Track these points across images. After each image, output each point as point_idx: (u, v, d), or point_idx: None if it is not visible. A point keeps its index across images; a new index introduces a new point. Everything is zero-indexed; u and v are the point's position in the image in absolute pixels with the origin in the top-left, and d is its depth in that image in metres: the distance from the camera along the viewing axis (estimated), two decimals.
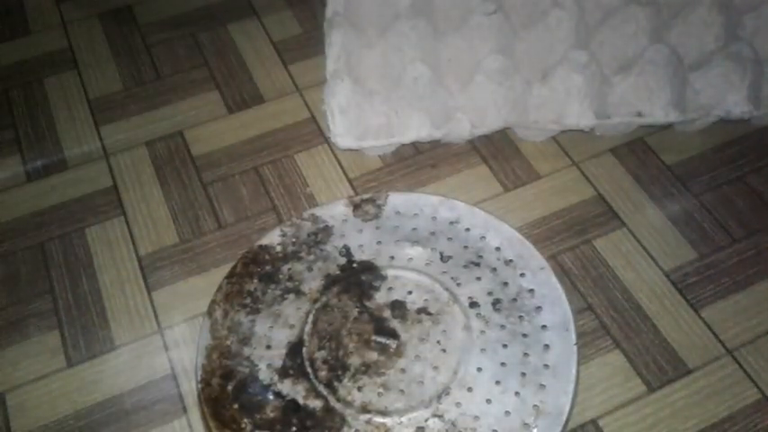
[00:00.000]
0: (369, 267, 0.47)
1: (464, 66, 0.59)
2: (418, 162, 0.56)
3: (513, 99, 0.56)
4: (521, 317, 0.45)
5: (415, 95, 0.56)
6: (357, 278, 0.47)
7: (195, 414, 0.45)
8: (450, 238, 0.48)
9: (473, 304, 0.45)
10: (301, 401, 0.42)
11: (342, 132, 0.56)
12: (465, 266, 0.47)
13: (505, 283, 0.46)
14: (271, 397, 0.42)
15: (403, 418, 0.41)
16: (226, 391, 0.42)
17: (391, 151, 0.58)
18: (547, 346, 0.43)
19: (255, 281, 0.47)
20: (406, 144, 0.57)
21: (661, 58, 0.56)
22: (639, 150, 0.57)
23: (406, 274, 0.47)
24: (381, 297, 0.46)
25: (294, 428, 0.41)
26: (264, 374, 0.43)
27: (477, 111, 0.56)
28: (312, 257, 0.48)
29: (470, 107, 0.56)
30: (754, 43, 0.59)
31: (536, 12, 0.61)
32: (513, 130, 0.58)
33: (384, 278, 0.47)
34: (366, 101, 0.57)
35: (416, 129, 0.55)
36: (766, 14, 0.60)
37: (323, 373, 0.43)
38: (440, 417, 0.41)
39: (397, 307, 0.45)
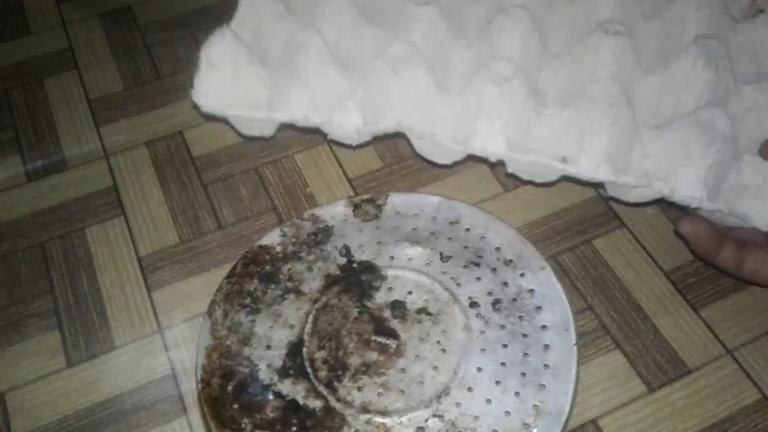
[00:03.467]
0: (369, 267, 0.47)
1: (363, 57, 0.51)
2: (419, 162, 0.56)
3: (413, 98, 0.48)
4: (521, 317, 0.45)
5: (298, 67, 0.48)
6: (357, 278, 0.47)
7: (195, 414, 0.45)
8: (450, 238, 0.48)
9: (473, 304, 0.45)
10: (301, 401, 0.42)
11: (206, 91, 0.49)
12: (465, 266, 0.47)
13: (505, 284, 0.46)
14: (271, 397, 0.42)
15: (403, 418, 0.41)
16: (226, 391, 0.42)
17: (270, 132, 0.51)
18: (547, 346, 0.43)
19: (255, 281, 0.47)
20: (284, 123, 0.50)
21: (606, 97, 0.45)
22: None
23: (406, 274, 0.47)
24: (381, 297, 0.46)
25: (294, 428, 0.41)
26: (264, 374, 0.43)
27: (372, 105, 0.48)
28: (312, 257, 0.48)
29: (366, 100, 0.48)
30: (741, 120, 0.47)
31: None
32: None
33: (384, 278, 0.47)
34: (249, 65, 0.49)
35: (292, 107, 0.48)
36: None
37: (323, 373, 0.43)
38: (440, 417, 0.41)
39: (397, 307, 0.45)
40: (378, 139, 0.56)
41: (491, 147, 0.46)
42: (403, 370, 0.43)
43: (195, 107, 0.53)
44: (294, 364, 0.43)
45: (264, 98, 0.49)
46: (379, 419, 0.41)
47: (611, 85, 0.45)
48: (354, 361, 0.43)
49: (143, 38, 0.66)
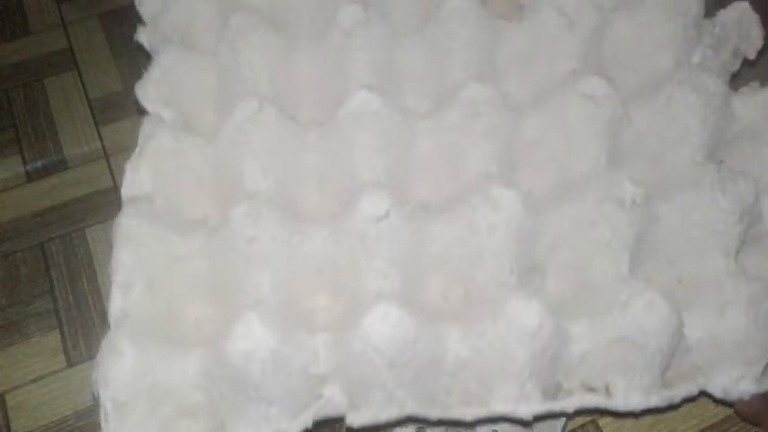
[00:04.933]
0: None
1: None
2: None
3: None
4: None
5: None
6: None
7: None
8: None
9: None
10: None
11: None
12: None
13: None
14: None
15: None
16: None
17: None
18: None
19: None
20: None
21: (653, 318, 0.35)
22: None
23: None
24: None
25: None
26: None
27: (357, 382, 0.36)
28: None
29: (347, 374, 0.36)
30: None
31: None
32: None
33: None
34: (172, 377, 0.36)
35: (255, 426, 0.35)
36: None
37: None
38: None
39: None
40: None
41: (523, 408, 0.36)
42: None
43: None
44: None
45: (204, 411, 0.36)
46: None
47: (658, 302, 0.35)
48: None
49: None
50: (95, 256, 0.52)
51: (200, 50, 0.48)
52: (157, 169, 0.42)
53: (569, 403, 0.36)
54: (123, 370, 0.35)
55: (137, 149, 0.43)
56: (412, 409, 0.35)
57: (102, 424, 0.35)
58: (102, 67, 0.63)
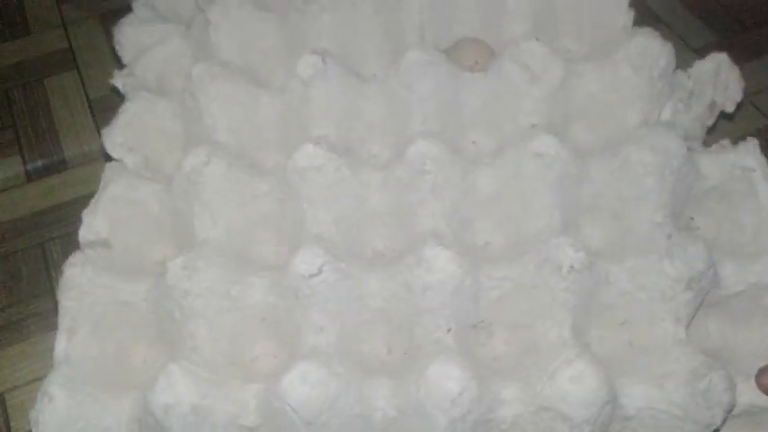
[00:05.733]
0: None
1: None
2: None
3: None
4: None
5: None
6: None
7: None
8: None
9: None
10: None
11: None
12: None
13: None
14: None
15: None
16: None
17: None
18: None
19: None
20: None
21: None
22: None
23: None
24: None
25: None
26: None
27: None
28: None
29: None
30: None
31: None
32: None
33: None
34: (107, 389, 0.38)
35: None
36: None
37: None
38: None
39: None
40: None
41: None
42: None
43: None
44: None
45: None
46: None
47: (583, 371, 0.35)
48: None
49: None
50: None
51: (172, 96, 0.48)
52: (114, 216, 0.43)
53: None
54: (53, 414, 0.36)
55: (95, 196, 0.44)
56: None
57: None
58: (102, 67, 0.63)
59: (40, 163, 0.57)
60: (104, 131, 0.46)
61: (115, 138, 0.46)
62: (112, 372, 0.40)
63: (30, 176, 0.57)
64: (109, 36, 0.66)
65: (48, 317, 0.49)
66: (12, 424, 0.45)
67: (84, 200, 0.55)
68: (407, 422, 0.36)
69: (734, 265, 0.41)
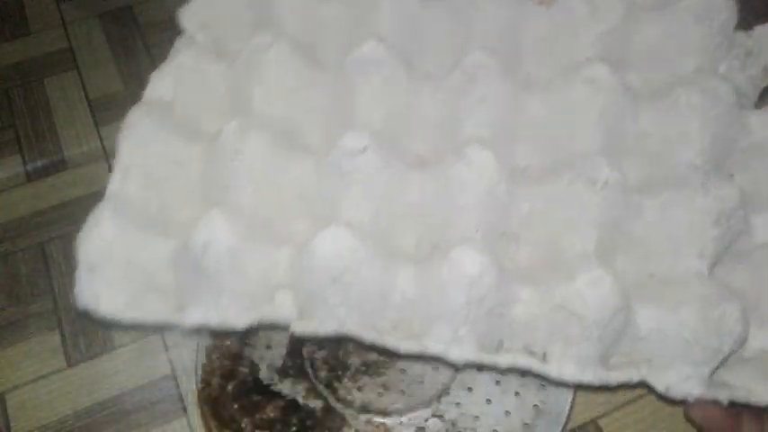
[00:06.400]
0: None
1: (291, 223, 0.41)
2: None
3: (355, 301, 0.37)
4: None
5: (205, 267, 0.36)
6: None
7: (195, 414, 0.45)
8: None
9: None
10: (301, 401, 0.42)
11: (90, 297, 0.37)
12: None
13: None
14: (270, 397, 0.42)
15: (403, 418, 0.41)
16: (226, 391, 0.43)
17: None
18: None
19: None
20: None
21: (593, 299, 0.36)
22: None
23: None
24: None
25: (294, 428, 0.41)
26: (264, 374, 0.43)
27: (307, 298, 0.37)
28: None
29: (299, 289, 0.37)
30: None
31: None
32: None
33: None
34: (144, 249, 0.38)
35: (206, 309, 0.37)
36: None
37: (323, 373, 0.43)
38: (440, 416, 0.41)
39: None
40: None
41: (455, 351, 0.37)
42: (403, 370, 0.43)
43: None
44: (294, 363, 0.43)
45: (171, 290, 0.38)
46: (379, 419, 0.41)
47: (605, 279, 0.36)
48: (354, 361, 0.43)
49: (143, 38, 0.66)
50: None
51: None
52: (179, 82, 0.45)
53: (503, 359, 0.37)
54: (100, 237, 0.38)
55: (166, 60, 0.46)
56: (350, 329, 0.37)
57: (75, 285, 0.37)
58: (102, 67, 0.64)
59: (39, 163, 0.58)
60: (183, 8, 0.48)
61: (192, 13, 0.48)
62: (157, 220, 0.40)
63: (30, 176, 0.57)
64: (109, 36, 0.66)
65: (48, 317, 0.49)
66: (12, 424, 0.45)
67: (85, 200, 0.55)
68: (424, 306, 0.36)
69: (766, 217, 0.41)
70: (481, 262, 0.36)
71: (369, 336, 0.37)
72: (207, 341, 0.45)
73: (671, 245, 0.40)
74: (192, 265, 0.37)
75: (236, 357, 0.44)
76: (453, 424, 0.41)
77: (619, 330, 0.37)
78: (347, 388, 0.42)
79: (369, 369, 0.43)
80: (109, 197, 0.40)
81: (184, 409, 0.45)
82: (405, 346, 0.37)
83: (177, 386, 0.46)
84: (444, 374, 0.42)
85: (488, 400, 0.41)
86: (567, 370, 0.37)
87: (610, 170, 0.39)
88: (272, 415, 0.41)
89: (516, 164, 0.43)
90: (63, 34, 0.66)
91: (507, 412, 0.41)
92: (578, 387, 0.43)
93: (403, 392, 0.42)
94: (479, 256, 0.36)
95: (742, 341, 0.37)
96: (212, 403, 0.42)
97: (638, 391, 0.45)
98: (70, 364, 0.47)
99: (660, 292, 0.39)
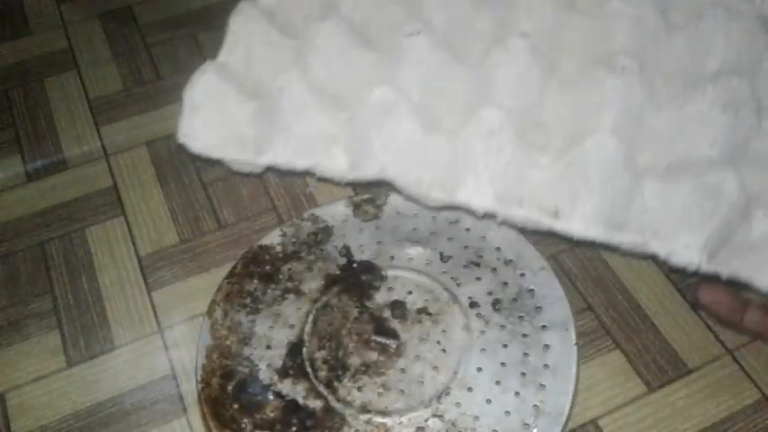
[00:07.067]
0: (369, 267, 0.47)
1: (352, 93, 0.47)
2: None
3: (397, 148, 0.44)
4: (521, 317, 0.45)
5: (281, 110, 0.46)
6: (357, 278, 0.47)
7: (195, 414, 0.45)
8: (450, 238, 0.48)
9: (473, 304, 0.45)
10: (301, 401, 0.42)
11: (191, 134, 0.47)
12: (465, 267, 0.47)
13: (505, 283, 0.46)
14: (271, 397, 0.42)
15: (403, 418, 0.41)
16: (226, 391, 0.43)
17: (260, 171, 0.48)
18: (547, 346, 0.43)
19: (255, 281, 0.47)
20: (273, 167, 0.47)
21: (602, 155, 0.41)
22: None
23: (407, 275, 0.47)
24: (381, 297, 0.46)
25: (294, 428, 0.41)
26: (264, 374, 0.43)
27: (357, 151, 0.45)
28: (312, 257, 0.48)
29: (351, 145, 0.45)
30: (764, 165, 0.43)
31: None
32: None
33: (384, 278, 0.47)
34: (235, 104, 0.47)
35: (277, 152, 0.46)
36: None
37: (323, 373, 0.43)
38: (440, 417, 0.41)
39: (397, 307, 0.45)
40: None
41: (477, 200, 0.42)
42: (403, 370, 0.43)
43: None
44: (294, 364, 0.43)
45: (251, 138, 0.47)
46: (379, 419, 0.41)
47: (609, 142, 0.41)
48: (354, 361, 0.43)
49: (143, 38, 0.66)
50: (95, 256, 0.52)
51: None
52: None
53: (519, 213, 0.42)
54: (203, 86, 0.47)
55: None
56: (389, 175, 0.43)
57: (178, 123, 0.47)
58: (102, 67, 0.64)
59: (39, 163, 0.58)
60: None
61: None
62: (248, 86, 0.48)
63: (30, 176, 0.57)
64: (109, 36, 0.66)
65: (48, 317, 0.49)
66: (12, 424, 0.45)
67: (85, 200, 0.55)
68: (453, 163, 0.43)
69: None
70: (501, 118, 0.42)
71: (405, 181, 0.44)
72: (207, 341, 0.45)
73: (686, 137, 0.43)
74: (268, 117, 0.46)
75: (236, 357, 0.44)
76: (453, 424, 0.41)
77: (624, 193, 0.41)
78: (347, 388, 0.42)
79: (369, 369, 0.43)
80: (215, 61, 0.49)
81: (184, 409, 0.45)
82: (435, 194, 0.43)
83: (177, 386, 0.46)
84: (444, 374, 0.43)
85: (488, 400, 0.41)
86: (575, 226, 0.41)
87: (628, 59, 0.44)
88: (272, 415, 0.41)
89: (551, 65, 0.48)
90: (63, 34, 0.66)
91: (507, 412, 0.41)
92: (577, 387, 0.43)
93: (403, 392, 0.42)
94: (500, 115, 0.42)
95: (740, 209, 0.40)
96: (212, 403, 0.42)
97: (638, 391, 0.45)
98: (70, 364, 0.47)
99: (671, 174, 0.42)
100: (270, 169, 0.48)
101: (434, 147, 0.43)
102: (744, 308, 0.42)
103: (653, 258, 0.50)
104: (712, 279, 0.41)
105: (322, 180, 0.48)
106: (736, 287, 0.41)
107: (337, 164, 0.45)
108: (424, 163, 0.44)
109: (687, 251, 0.40)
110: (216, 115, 0.47)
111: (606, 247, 0.43)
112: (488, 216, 0.43)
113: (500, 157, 0.42)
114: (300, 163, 0.46)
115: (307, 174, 0.47)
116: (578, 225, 0.41)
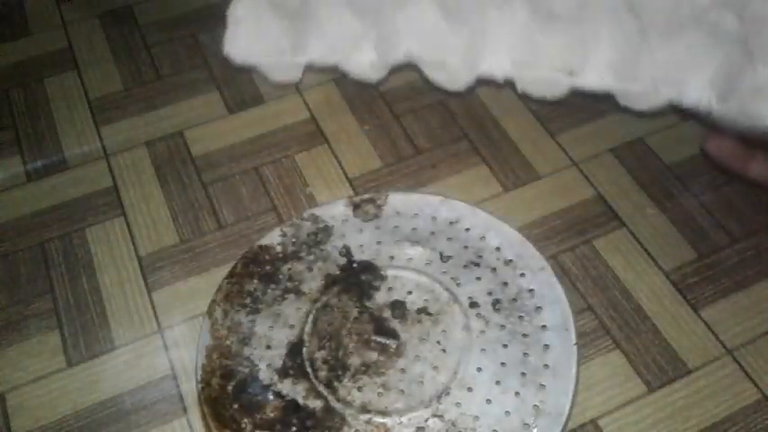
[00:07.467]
0: (369, 267, 0.47)
1: None
2: (418, 162, 0.56)
3: (421, 30, 0.50)
4: (521, 317, 0.45)
5: (315, 15, 0.53)
6: (357, 278, 0.47)
7: (195, 414, 0.45)
8: (450, 238, 0.48)
9: (473, 304, 0.45)
10: (301, 401, 0.42)
11: (235, 45, 0.54)
12: (465, 266, 0.47)
13: (505, 283, 0.46)
14: (271, 397, 0.42)
15: (403, 418, 0.41)
16: (226, 391, 0.43)
17: (298, 76, 0.56)
18: (547, 346, 0.43)
19: (255, 281, 0.47)
20: (309, 65, 0.56)
21: (608, 6, 0.45)
22: (639, 150, 0.57)
23: (406, 274, 0.47)
24: (381, 297, 0.46)
25: (294, 428, 0.41)
26: (264, 374, 0.43)
27: (384, 42, 0.51)
28: (312, 257, 0.48)
29: (378, 38, 0.52)
30: (747, 12, 0.44)
31: None
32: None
33: (384, 278, 0.47)
34: (271, 17, 0.54)
35: (312, 50, 0.53)
36: None
37: (323, 373, 0.43)
38: (440, 417, 0.41)
39: (397, 307, 0.45)
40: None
41: (497, 67, 0.48)
42: (403, 370, 0.43)
43: (227, 59, 0.57)
44: (294, 364, 0.43)
45: (288, 45, 0.54)
46: (379, 419, 0.41)
47: (616, 2, 0.45)
48: (354, 361, 0.43)
49: (143, 38, 0.66)
50: (95, 256, 0.52)
51: None
52: None
53: (534, 75, 0.47)
54: (245, 2, 0.53)
55: None
56: (414, 58, 0.50)
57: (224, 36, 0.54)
58: (102, 67, 0.64)
59: (40, 163, 0.58)
60: None
61: None
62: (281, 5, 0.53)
63: (30, 176, 0.57)
64: (109, 36, 0.66)
65: (48, 317, 0.49)
66: (12, 424, 0.45)
67: (85, 200, 0.55)
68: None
69: None
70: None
71: (433, 58, 0.49)
72: (207, 341, 0.45)
73: (688, 2, 0.45)
74: (303, 21, 0.52)
75: (236, 357, 0.44)
76: (453, 424, 0.41)
77: (633, 46, 0.45)
78: (347, 388, 0.42)
79: (369, 369, 0.43)
80: None
81: (184, 410, 0.45)
82: (460, 71, 0.48)
83: (177, 386, 0.46)
84: (444, 374, 0.43)
85: (488, 401, 0.41)
86: (590, 78, 0.46)
87: None
88: (272, 415, 0.41)
89: None
90: (63, 34, 0.66)
91: (507, 412, 0.41)
92: (577, 387, 0.43)
93: (403, 392, 0.42)
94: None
95: (741, 47, 0.42)
96: (212, 403, 0.42)
97: (638, 391, 0.45)
98: (70, 364, 0.47)
99: (673, 26, 0.44)
100: (308, 69, 0.55)
101: (455, 29, 0.49)
102: (749, 157, 0.43)
103: (651, 257, 0.50)
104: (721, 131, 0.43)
105: (354, 80, 0.54)
106: (744, 140, 0.42)
107: (366, 57, 0.52)
108: (447, 45, 0.49)
109: (696, 91, 0.44)
110: (256, 27, 0.53)
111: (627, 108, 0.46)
112: (508, 83, 0.49)
113: (514, 23, 0.46)
114: (332, 58, 0.52)
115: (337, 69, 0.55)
116: (593, 77, 0.46)
